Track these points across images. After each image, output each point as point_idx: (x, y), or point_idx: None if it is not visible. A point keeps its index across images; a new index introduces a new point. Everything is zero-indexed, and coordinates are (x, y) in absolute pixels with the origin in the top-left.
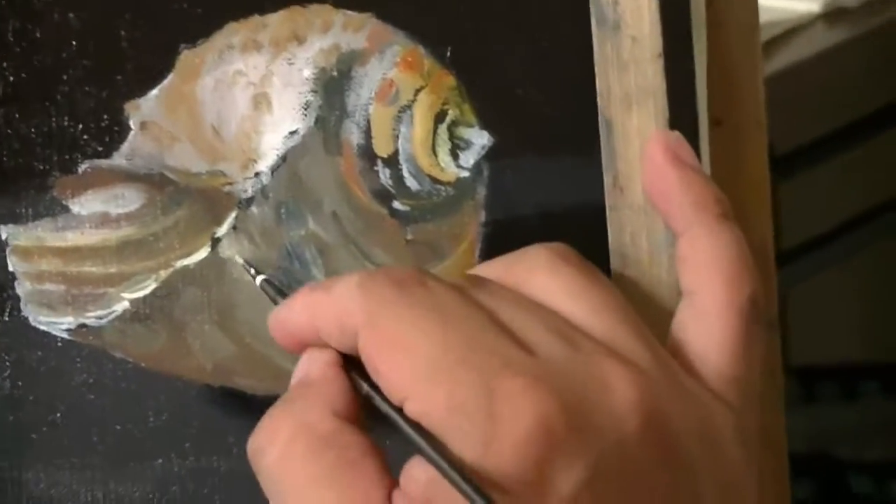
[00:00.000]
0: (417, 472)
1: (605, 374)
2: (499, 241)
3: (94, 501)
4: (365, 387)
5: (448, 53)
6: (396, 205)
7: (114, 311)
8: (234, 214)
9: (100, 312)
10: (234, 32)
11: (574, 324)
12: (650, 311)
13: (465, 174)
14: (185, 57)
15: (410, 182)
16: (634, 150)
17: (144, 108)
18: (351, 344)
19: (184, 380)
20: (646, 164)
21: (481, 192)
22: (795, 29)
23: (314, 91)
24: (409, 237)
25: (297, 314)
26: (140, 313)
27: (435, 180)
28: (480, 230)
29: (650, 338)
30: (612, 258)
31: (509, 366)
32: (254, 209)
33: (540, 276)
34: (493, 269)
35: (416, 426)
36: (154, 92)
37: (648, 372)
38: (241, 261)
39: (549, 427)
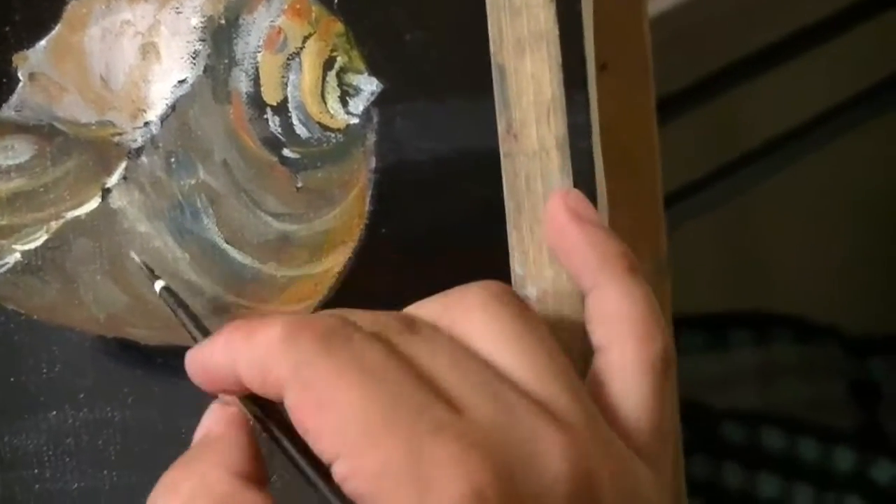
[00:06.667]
0: None
1: (536, 438)
2: (389, 187)
3: None
4: (288, 447)
5: (335, 0)
6: (286, 152)
7: (5, 264)
8: (124, 164)
9: None
10: None
11: (506, 375)
12: (547, 257)
13: (355, 121)
14: (73, 7)
15: (300, 129)
16: (528, 96)
17: (32, 60)
18: (274, 393)
19: (77, 331)
20: (548, 224)
21: (371, 138)
22: None
23: (202, 40)
24: (300, 184)
25: (217, 356)
26: (32, 265)
27: (324, 127)
28: (371, 176)
29: (581, 392)
30: (506, 203)
31: (440, 429)
32: (144, 159)
33: (475, 318)
34: (430, 309)
35: (336, 490)
36: (42, 43)
37: (579, 433)
38: (137, 259)
39: (482, 497)
